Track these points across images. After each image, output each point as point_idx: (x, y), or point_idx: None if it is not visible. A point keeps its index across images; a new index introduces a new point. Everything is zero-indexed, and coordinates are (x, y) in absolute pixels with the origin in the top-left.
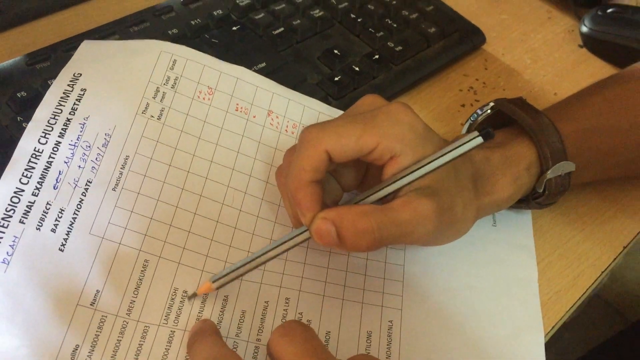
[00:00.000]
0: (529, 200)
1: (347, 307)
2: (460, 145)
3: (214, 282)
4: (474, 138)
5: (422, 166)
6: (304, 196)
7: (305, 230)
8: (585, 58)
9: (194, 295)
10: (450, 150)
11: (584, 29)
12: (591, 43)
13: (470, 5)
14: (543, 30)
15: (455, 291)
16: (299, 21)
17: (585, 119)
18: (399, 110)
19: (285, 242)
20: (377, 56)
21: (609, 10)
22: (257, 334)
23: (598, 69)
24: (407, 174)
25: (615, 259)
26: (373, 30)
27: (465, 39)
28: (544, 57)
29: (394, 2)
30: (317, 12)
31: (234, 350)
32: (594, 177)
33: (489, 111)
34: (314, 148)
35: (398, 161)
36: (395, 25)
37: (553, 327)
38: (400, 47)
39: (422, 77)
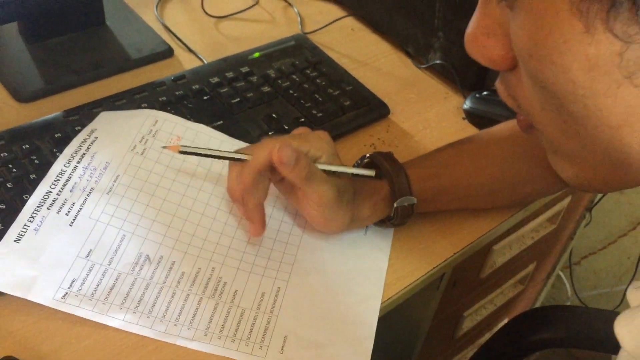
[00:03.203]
0: (385, 221)
1: (252, 277)
2: (361, 171)
3: (181, 149)
4: (369, 172)
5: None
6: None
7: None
8: (465, 127)
9: (164, 147)
10: (355, 168)
11: (465, 106)
12: (470, 116)
13: (387, 87)
14: (438, 106)
15: (327, 273)
16: (251, 94)
17: (429, 167)
18: (322, 133)
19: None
20: (302, 119)
21: (484, 93)
22: (190, 285)
23: None
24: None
25: (433, 268)
26: (304, 102)
27: (373, 110)
28: (434, 125)
29: (324, 83)
30: (265, 88)
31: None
32: (435, 208)
33: (366, 160)
34: (270, 146)
35: (320, 162)
36: (320, 99)
37: (390, 298)
38: (320, 114)
39: (336, 135)
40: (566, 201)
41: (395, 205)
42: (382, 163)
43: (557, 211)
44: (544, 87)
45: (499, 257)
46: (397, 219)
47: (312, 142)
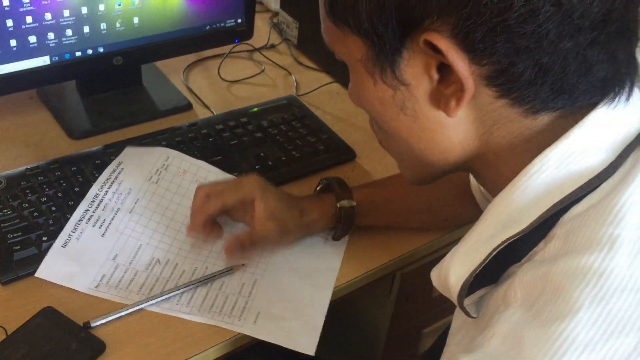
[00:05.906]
0: (336, 226)
1: (236, 273)
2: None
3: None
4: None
5: None
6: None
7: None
8: None
9: None
10: None
11: None
12: None
13: (358, 138)
14: None
15: (293, 270)
16: (246, 138)
17: (368, 187)
18: (250, 177)
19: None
20: (284, 158)
21: None
22: (189, 279)
23: None
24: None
25: (370, 270)
26: (286, 145)
27: (342, 154)
28: (391, 168)
29: (305, 132)
30: (258, 134)
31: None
32: (374, 220)
33: (324, 182)
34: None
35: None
36: (300, 144)
37: (338, 287)
38: (298, 155)
39: (310, 171)
40: None
41: (338, 205)
42: (332, 184)
43: None
44: (371, 116)
45: None
46: (341, 219)
47: (243, 189)
